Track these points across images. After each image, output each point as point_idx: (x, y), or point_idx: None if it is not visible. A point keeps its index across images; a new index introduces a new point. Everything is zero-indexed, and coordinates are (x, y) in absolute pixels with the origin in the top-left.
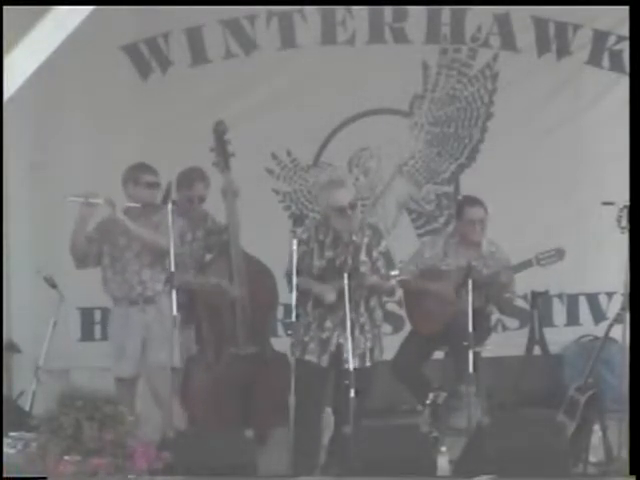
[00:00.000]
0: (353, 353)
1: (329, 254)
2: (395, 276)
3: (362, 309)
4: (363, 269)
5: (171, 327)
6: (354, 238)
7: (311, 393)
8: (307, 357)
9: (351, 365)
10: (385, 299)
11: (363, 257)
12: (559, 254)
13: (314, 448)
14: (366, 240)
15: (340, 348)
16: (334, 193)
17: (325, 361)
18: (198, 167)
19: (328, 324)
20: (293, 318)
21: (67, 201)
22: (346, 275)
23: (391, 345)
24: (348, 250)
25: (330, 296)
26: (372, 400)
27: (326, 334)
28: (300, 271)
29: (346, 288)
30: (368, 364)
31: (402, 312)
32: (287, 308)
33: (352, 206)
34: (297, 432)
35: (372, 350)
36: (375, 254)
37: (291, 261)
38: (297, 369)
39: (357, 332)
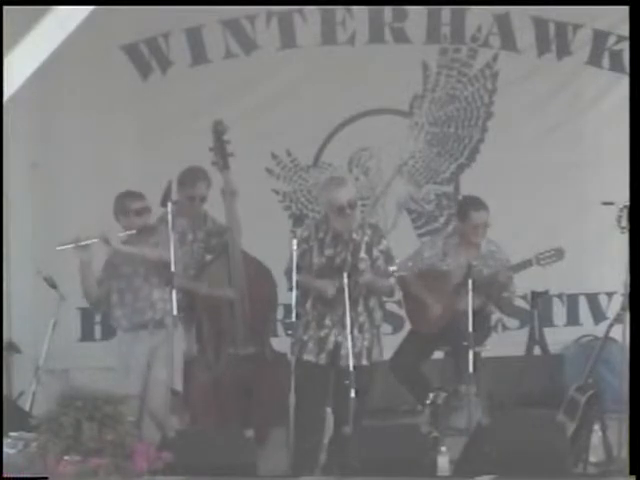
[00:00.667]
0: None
1: (329, 252)
2: (393, 272)
3: (361, 308)
4: (363, 267)
5: (172, 326)
6: (354, 236)
7: (310, 392)
8: (305, 356)
9: (351, 365)
10: (385, 299)
11: (363, 255)
12: (559, 254)
13: (313, 447)
14: (366, 239)
15: (338, 346)
16: (334, 192)
17: (323, 359)
18: (200, 166)
19: (327, 322)
20: (293, 318)
21: (58, 249)
22: (346, 274)
23: (391, 345)
24: (348, 248)
25: (331, 290)
26: (372, 400)
27: (324, 332)
28: (300, 269)
29: (345, 286)
30: (365, 363)
31: (402, 312)
32: (287, 308)
33: (352, 205)
34: (296, 431)
35: (370, 350)
36: (375, 253)
37: (291, 260)
38: (296, 368)
39: (356, 331)
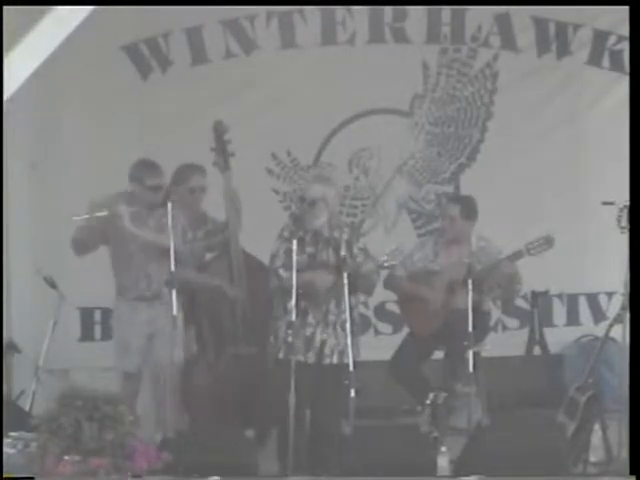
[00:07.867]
0: (333, 350)
1: (310, 250)
2: (384, 262)
3: (343, 306)
4: (345, 265)
5: (172, 326)
6: (335, 235)
7: (300, 391)
8: (293, 356)
9: (351, 365)
10: (385, 299)
11: (344, 253)
12: (549, 242)
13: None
14: (345, 237)
15: (323, 344)
16: (310, 186)
17: (311, 358)
18: (192, 162)
19: (310, 320)
20: (293, 317)
21: (73, 220)
22: (330, 270)
23: (390, 345)
24: (328, 246)
25: (326, 280)
26: (372, 400)
27: (309, 330)
28: (285, 267)
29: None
30: (346, 361)
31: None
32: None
33: (324, 201)
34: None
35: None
36: (355, 250)
37: (290, 259)
38: (285, 368)
39: (339, 329)
